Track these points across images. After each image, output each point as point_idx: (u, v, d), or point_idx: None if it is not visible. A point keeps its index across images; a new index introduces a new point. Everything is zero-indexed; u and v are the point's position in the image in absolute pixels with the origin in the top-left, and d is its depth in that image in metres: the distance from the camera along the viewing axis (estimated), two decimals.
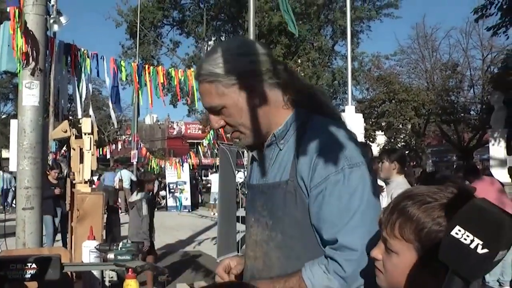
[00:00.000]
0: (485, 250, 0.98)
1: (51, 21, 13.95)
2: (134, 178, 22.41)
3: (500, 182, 8.44)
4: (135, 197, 7.81)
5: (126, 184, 21.28)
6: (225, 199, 11.94)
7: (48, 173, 10.69)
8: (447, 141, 30.04)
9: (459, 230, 1.02)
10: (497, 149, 15.78)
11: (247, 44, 1.86)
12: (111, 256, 2.55)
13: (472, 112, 28.03)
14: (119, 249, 2.59)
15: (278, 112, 1.78)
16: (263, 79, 1.73)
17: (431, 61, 27.80)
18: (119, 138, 36.09)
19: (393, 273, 1.30)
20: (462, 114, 26.82)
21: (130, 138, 25.04)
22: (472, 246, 0.99)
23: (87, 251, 2.94)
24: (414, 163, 27.51)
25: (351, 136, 1.73)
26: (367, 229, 1.56)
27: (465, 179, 8.20)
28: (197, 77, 1.79)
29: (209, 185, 24.53)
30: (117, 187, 21.05)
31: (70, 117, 25.50)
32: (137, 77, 7.22)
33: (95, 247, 2.84)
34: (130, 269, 2.39)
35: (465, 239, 1.00)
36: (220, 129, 1.80)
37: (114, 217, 9.08)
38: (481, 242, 0.99)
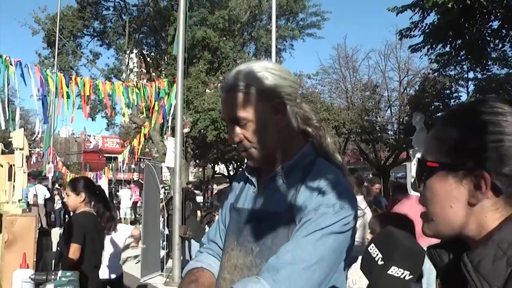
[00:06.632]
0: (382, 262, 1.21)
1: None
2: (48, 194, 21.32)
3: None
4: None
5: (41, 200, 20.18)
6: (149, 217, 11.58)
7: None
8: (364, 159, 30.76)
9: (372, 246, 1.25)
10: None
11: (285, 69, 1.87)
12: (50, 287, 2.26)
13: (389, 132, 28.83)
14: (58, 278, 2.30)
15: (292, 142, 1.82)
16: (291, 106, 1.79)
17: (351, 81, 28.41)
18: (33, 151, 34.50)
19: None
20: (379, 134, 27.53)
21: (45, 151, 23.98)
22: (376, 258, 1.22)
23: (20, 282, 2.60)
24: None
25: (349, 186, 1.79)
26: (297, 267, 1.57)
27: (393, 196, 8.49)
28: (231, 86, 1.75)
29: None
30: (32, 202, 19.95)
31: None
32: (63, 88, 6.80)
33: (29, 277, 2.52)
34: None
35: (373, 253, 1.24)
36: (234, 143, 1.78)
37: (45, 240, 8.18)
38: (381, 256, 1.22)
